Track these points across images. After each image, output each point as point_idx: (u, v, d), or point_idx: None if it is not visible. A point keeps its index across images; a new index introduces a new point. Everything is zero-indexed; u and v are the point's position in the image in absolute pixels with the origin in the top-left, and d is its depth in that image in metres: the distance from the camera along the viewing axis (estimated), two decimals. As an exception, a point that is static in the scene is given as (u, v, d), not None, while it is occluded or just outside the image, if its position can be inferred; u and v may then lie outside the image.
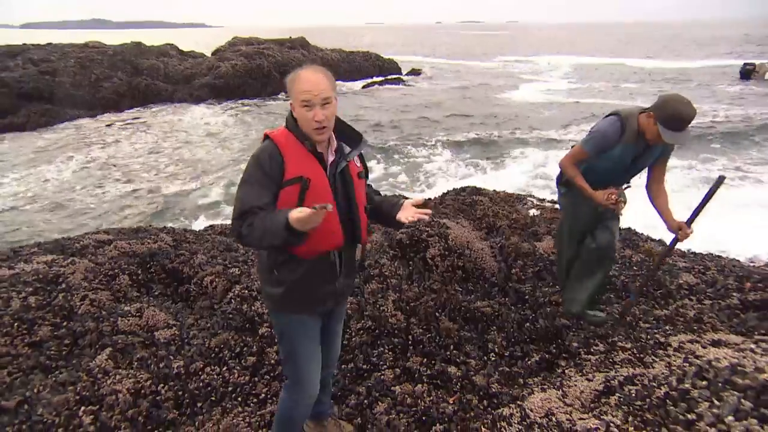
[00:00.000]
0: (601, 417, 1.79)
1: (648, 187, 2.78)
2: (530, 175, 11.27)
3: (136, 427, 2.26)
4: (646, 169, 2.79)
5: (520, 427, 1.97)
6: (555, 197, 6.40)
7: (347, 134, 1.83)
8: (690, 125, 2.40)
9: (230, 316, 3.18)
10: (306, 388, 1.89)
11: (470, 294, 3.57)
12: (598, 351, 2.79)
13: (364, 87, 26.22)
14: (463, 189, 6.12)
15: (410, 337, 3.03)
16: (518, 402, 2.23)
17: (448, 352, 2.94)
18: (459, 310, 3.31)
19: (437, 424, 2.36)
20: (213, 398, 2.49)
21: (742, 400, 1.47)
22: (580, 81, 30.19)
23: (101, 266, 3.64)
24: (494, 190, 6.17)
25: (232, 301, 3.37)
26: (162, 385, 2.52)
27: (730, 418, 1.43)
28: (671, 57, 44.48)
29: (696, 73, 31.82)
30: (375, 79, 28.15)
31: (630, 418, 1.71)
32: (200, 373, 2.63)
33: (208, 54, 28.04)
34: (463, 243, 3.97)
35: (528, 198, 6.07)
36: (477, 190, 5.97)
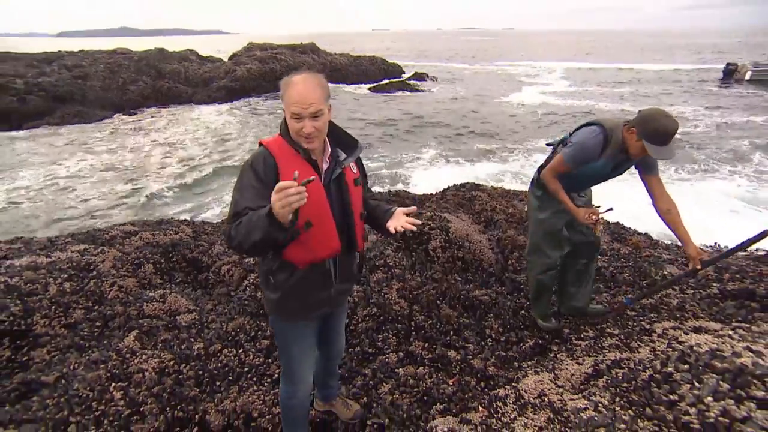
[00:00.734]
0: (590, 398, 1.80)
1: (656, 206, 2.45)
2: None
3: (161, 403, 2.29)
4: (644, 187, 2.52)
5: (514, 406, 1.97)
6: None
7: (343, 140, 1.70)
8: (674, 138, 2.21)
9: (245, 302, 3.21)
10: (298, 385, 1.86)
11: (469, 283, 3.57)
12: (588, 337, 2.79)
13: (370, 89, 26.09)
14: (463, 185, 6.11)
15: (413, 323, 3.05)
16: (513, 384, 2.24)
17: (448, 338, 2.96)
18: (458, 299, 3.32)
19: (438, 404, 2.38)
20: (230, 378, 2.52)
21: (721, 382, 1.47)
22: (576, 84, 29.95)
23: (128, 255, 3.68)
24: (492, 186, 6.14)
25: (248, 288, 3.40)
26: (184, 364, 2.56)
27: (710, 398, 1.44)
28: (659, 61, 43.91)
29: (679, 75, 31.54)
30: (382, 82, 27.99)
31: (617, 399, 1.71)
32: (218, 354, 2.67)
33: (226, 59, 28.08)
34: (462, 236, 3.97)
35: (524, 194, 6.05)
36: (476, 186, 5.95)
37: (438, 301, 3.26)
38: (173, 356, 2.60)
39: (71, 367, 2.50)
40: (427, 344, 2.88)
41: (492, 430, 1.83)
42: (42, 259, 3.42)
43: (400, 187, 9.97)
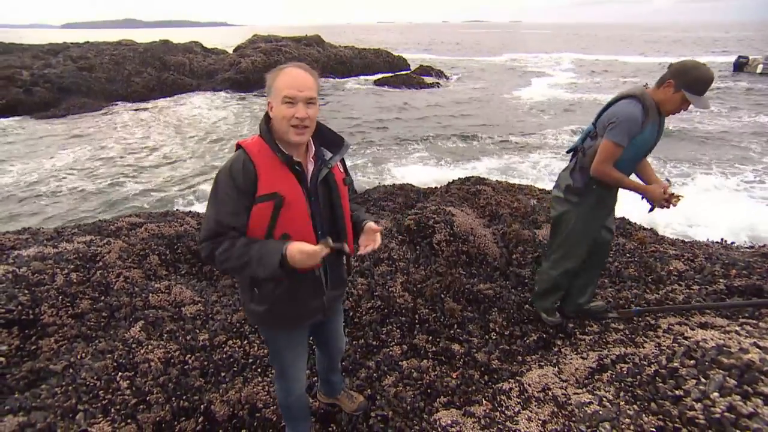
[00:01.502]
0: (595, 392, 1.80)
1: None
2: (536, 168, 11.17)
3: (167, 392, 2.32)
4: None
5: (518, 400, 1.98)
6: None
7: (328, 139, 1.60)
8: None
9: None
10: (293, 385, 1.83)
11: (473, 277, 3.57)
12: (593, 331, 2.78)
13: (376, 81, 25.86)
14: (468, 179, 6.08)
15: (417, 316, 3.05)
16: (517, 377, 2.24)
17: (452, 331, 2.96)
18: (463, 292, 3.31)
19: (441, 397, 2.39)
20: (235, 368, 2.54)
21: (727, 378, 1.46)
22: (583, 76, 29.70)
23: (134, 247, 3.71)
24: (497, 181, 6.11)
25: (253, 280, 3.41)
26: (189, 355, 2.58)
27: (716, 394, 1.43)
28: (668, 54, 43.40)
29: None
30: (387, 75, 27.76)
31: (621, 394, 1.71)
32: (223, 345, 2.68)
33: (230, 51, 27.97)
34: (467, 229, 3.96)
35: (528, 188, 6.01)
36: (481, 180, 5.92)
37: (442, 295, 3.26)
38: (179, 347, 2.62)
39: (78, 357, 2.53)
40: (431, 337, 2.89)
41: (496, 424, 1.83)
42: (49, 249, 3.45)
43: (399, 180, 9.93)
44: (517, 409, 1.91)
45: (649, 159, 2.54)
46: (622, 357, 2.09)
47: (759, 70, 27.21)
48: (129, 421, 2.14)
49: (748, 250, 4.18)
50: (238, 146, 1.48)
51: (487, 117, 17.99)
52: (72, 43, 25.98)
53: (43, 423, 2.09)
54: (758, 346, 1.56)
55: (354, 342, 2.83)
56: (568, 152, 2.69)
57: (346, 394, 2.33)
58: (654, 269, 3.51)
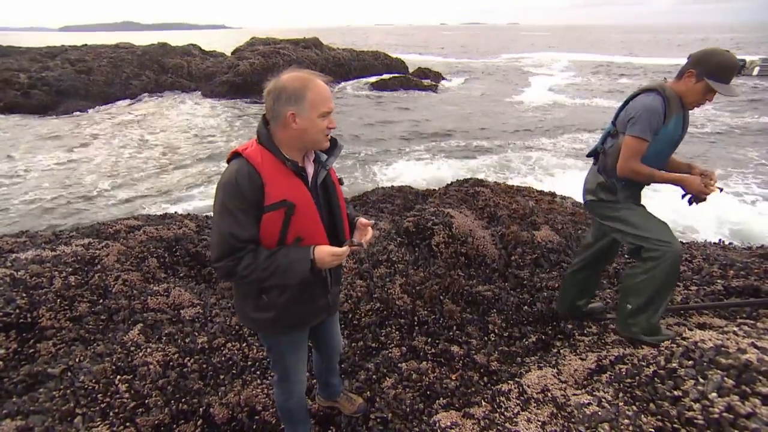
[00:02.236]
0: (594, 393, 1.80)
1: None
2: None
3: (166, 395, 2.31)
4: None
5: (518, 401, 1.98)
6: (555, 188, 6.36)
7: None
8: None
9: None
10: (294, 387, 1.85)
11: (472, 279, 3.57)
12: (591, 333, 2.79)
13: (373, 85, 25.77)
14: (466, 180, 6.09)
15: (416, 318, 3.05)
16: (516, 379, 2.24)
17: (451, 333, 2.96)
18: (461, 294, 3.32)
19: (441, 398, 2.38)
20: (234, 371, 2.53)
21: (725, 378, 1.47)
22: (579, 75, 29.90)
23: (132, 249, 3.70)
24: (495, 182, 6.12)
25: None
26: (188, 358, 2.57)
27: (714, 394, 1.43)
28: (666, 55, 43.65)
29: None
30: (384, 77, 27.74)
31: (620, 395, 1.71)
32: (222, 348, 2.68)
33: (228, 53, 27.99)
34: (465, 231, 3.96)
35: (527, 190, 6.03)
36: (479, 182, 5.93)
37: (441, 297, 3.26)
38: (177, 350, 2.61)
39: (77, 360, 2.52)
40: (430, 339, 2.89)
41: (495, 425, 1.83)
42: (47, 252, 3.44)
43: (397, 182, 9.95)
44: (516, 411, 1.91)
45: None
46: (620, 358, 2.09)
47: (755, 72, 27.42)
48: (128, 424, 2.14)
49: (745, 250, 4.20)
50: (234, 155, 1.46)
51: (485, 118, 18.04)
52: (70, 46, 26.01)
53: (41, 427, 2.08)
54: (756, 347, 1.57)
55: (353, 344, 2.83)
56: (589, 155, 2.56)
57: (345, 396, 2.33)
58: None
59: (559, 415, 1.75)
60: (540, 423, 1.75)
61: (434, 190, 6.00)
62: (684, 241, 4.50)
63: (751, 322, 2.17)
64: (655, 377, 1.67)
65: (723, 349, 1.60)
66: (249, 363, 2.60)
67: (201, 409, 2.26)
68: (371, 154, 12.77)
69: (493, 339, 2.92)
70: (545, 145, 13.62)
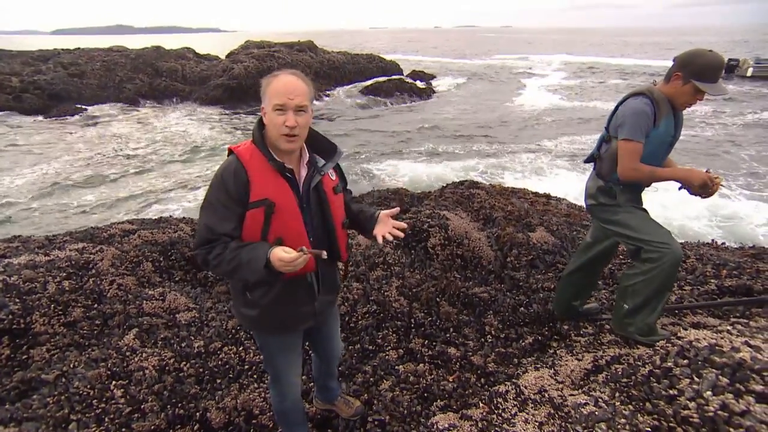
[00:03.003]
0: (590, 393, 1.81)
1: None
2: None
3: (162, 400, 2.29)
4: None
5: (515, 402, 1.99)
6: (549, 190, 6.40)
7: (321, 146, 1.62)
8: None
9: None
10: (287, 390, 1.82)
11: (468, 280, 3.58)
12: (587, 333, 2.80)
13: (366, 89, 25.57)
14: (462, 182, 6.11)
15: (412, 320, 3.05)
16: (513, 380, 2.25)
17: (448, 335, 2.96)
18: (458, 296, 3.32)
19: (438, 400, 2.38)
20: (231, 375, 2.52)
21: (720, 377, 1.48)
22: (572, 77, 30.18)
23: (127, 254, 3.68)
24: (490, 184, 6.15)
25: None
26: (184, 362, 2.56)
27: (709, 393, 1.45)
28: (658, 57, 44.16)
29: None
30: (379, 79, 27.74)
31: (617, 394, 1.73)
32: (219, 352, 2.67)
33: (223, 57, 27.94)
34: (461, 233, 3.98)
35: (522, 191, 6.06)
36: (474, 184, 5.96)
37: (437, 299, 3.27)
38: (173, 354, 2.60)
39: (71, 366, 2.50)
40: (426, 341, 2.89)
41: (493, 426, 1.84)
42: (40, 257, 3.41)
43: (393, 185, 9.98)
44: (513, 412, 1.91)
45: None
46: (616, 358, 2.11)
47: (749, 72, 27.73)
48: (123, 430, 2.12)
49: (738, 250, 4.24)
50: (230, 151, 1.49)
51: (480, 120, 18.14)
52: (62, 50, 25.89)
53: (36, 433, 2.06)
54: (749, 345, 1.59)
55: (350, 347, 2.83)
56: (586, 161, 2.60)
57: (342, 399, 2.33)
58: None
59: (557, 416, 1.76)
60: (537, 423, 1.76)
61: (430, 192, 6.01)
62: (678, 241, 4.54)
63: (744, 320, 2.20)
64: (650, 377, 1.68)
65: (717, 348, 1.62)
66: (246, 367, 2.58)
67: (198, 414, 2.25)
68: (366, 156, 12.78)
69: (489, 340, 2.92)
70: (540, 147, 13.70)
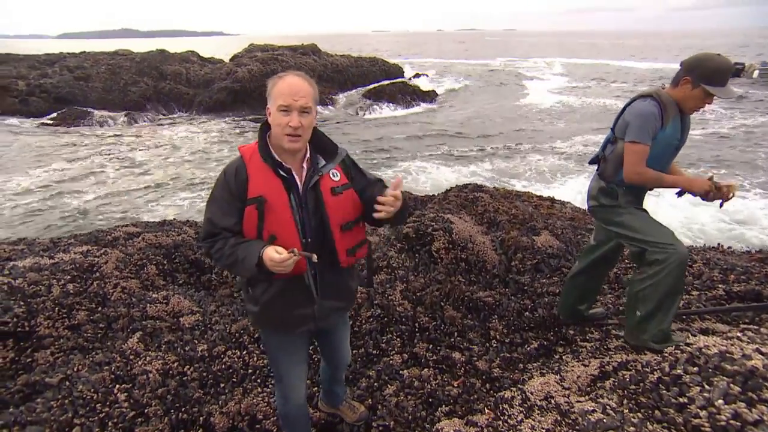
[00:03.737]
0: (598, 400, 1.78)
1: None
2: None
3: (166, 405, 2.29)
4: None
5: (521, 408, 1.96)
6: (552, 194, 6.37)
7: (324, 146, 1.60)
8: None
9: (250, 303, 3.20)
10: (289, 392, 1.81)
11: (473, 285, 3.56)
12: (594, 338, 2.78)
13: (370, 91, 25.62)
14: (466, 186, 6.09)
15: (417, 324, 3.03)
16: (519, 386, 2.23)
17: (453, 339, 2.94)
18: (462, 300, 3.30)
19: (443, 406, 2.37)
20: (234, 379, 2.51)
21: (731, 385, 1.46)
22: (575, 80, 30.18)
23: (131, 257, 3.68)
24: (494, 187, 6.13)
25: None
26: (188, 366, 2.55)
27: (720, 401, 1.42)
28: (660, 60, 44.07)
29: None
30: (383, 83, 27.76)
31: (625, 401, 1.70)
32: (222, 356, 2.66)
33: (227, 60, 28.05)
34: (466, 237, 3.96)
35: (526, 195, 6.03)
36: (478, 187, 5.93)
37: (442, 303, 3.25)
38: (177, 358, 2.59)
39: (75, 369, 2.49)
40: (431, 346, 2.87)
41: (499, 433, 1.81)
42: (45, 260, 3.42)
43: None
44: (519, 418, 1.89)
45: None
46: (624, 364, 2.08)
47: (755, 75, 27.66)
48: (127, 434, 2.11)
49: (744, 254, 4.20)
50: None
51: (484, 123, 18.12)
52: (68, 53, 26.02)
53: (39, 438, 2.05)
54: (761, 353, 1.56)
55: (354, 351, 2.81)
56: (591, 162, 2.58)
57: (347, 404, 2.31)
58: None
59: (564, 423, 1.73)
60: (544, 430, 1.73)
61: (433, 195, 5.99)
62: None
63: (755, 327, 2.16)
64: (659, 384, 1.66)
65: (728, 355, 1.59)
66: (249, 371, 2.57)
67: (201, 419, 2.24)
68: (369, 161, 12.80)
69: (494, 345, 2.90)
70: (544, 150, 13.67)
